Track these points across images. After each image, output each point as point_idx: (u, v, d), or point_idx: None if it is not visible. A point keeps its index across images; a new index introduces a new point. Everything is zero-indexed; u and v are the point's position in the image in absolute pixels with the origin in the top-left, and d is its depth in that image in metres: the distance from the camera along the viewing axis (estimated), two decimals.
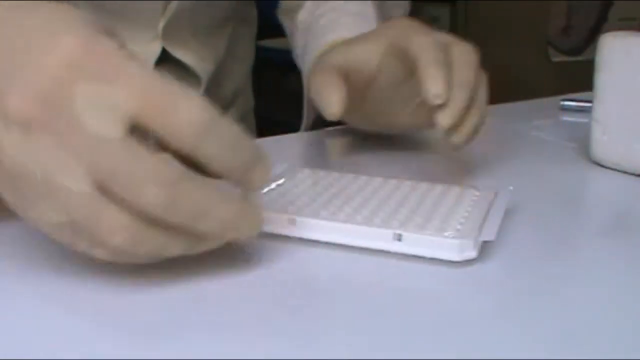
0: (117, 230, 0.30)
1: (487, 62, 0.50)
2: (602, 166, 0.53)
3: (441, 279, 0.35)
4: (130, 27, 0.59)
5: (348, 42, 0.54)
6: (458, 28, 1.89)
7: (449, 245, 0.36)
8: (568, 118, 0.69)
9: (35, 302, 0.32)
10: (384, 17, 0.67)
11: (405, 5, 0.75)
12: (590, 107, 0.54)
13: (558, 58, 1.99)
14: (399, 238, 0.36)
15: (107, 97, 0.29)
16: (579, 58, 1.96)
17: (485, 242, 0.37)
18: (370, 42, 0.52)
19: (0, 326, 0.30)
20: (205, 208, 0.31)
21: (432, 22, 1.94)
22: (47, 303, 0.32)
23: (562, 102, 0.72)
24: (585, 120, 0.56)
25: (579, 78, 0.71)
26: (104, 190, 0.29)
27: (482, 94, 0.49)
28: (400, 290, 0.34)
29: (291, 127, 0.65)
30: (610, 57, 0.51)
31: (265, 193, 0.41)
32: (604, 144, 0.52)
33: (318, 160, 0.59)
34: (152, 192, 0.29)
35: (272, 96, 0.86)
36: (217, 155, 0.31)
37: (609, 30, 0.54)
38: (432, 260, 0.36)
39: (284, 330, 0.30)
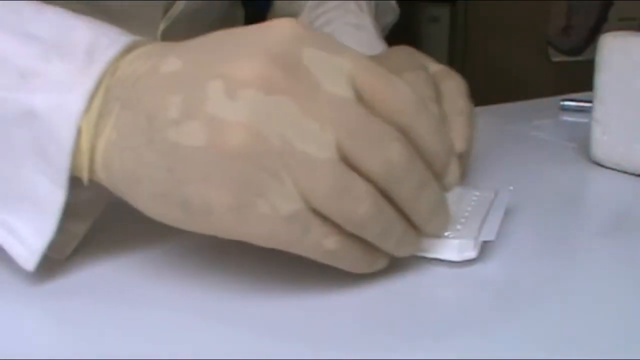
0: (364, 197, 0.29)
1: (487, 62, 0.50)
2: (602, 166, 0.53)
3: (441, 279, 0.35)
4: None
5: None
6: (458, 28, 1.89)
7: (448, 245, 0.36)
8: (568, 118, 0.69)
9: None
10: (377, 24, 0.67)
11: (396, 11, 0.75)
12: (590, 107, 0.54)
13: (558, 58, 1.99)
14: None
15: (336, 63, 0.29)
16: (579, 58, 1.96)
17: (485, 242, 0.37)
18: None
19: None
20: (428, 181, 0.31)
21: (432, 22, 1.94)
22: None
23: (562, 102, 0.72)
24: (585, 120, 0.56)
25: (579, 78, 0.71)
26: (346, 157, 0.29)
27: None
28: (400, 290, 0.34)
29: None
30: (610, 57, 0.51)
31: None
32: (604, 144, 0.52)
33: None
34: (397, 148, 0.29)
35: None
36: (427, 135, 0.31)
37: (609, 30, 0.54)
38: (433, 260, 0.36)
39: (284, 331, 0.30)
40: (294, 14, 0.72)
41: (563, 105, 0.72)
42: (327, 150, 0.28)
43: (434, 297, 0.34)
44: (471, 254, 0.36)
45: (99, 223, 0.36)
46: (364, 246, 0.31)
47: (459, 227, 0.37)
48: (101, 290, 0.33)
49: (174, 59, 0.30)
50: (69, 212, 0.32)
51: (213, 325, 0.30)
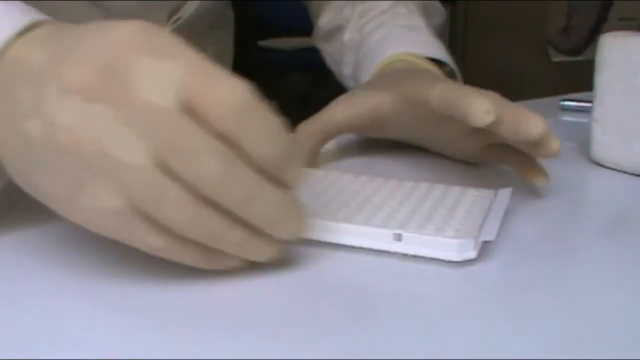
0: (180, 205, 0.30)
1: (487, 62, 0.50)
2: (602, 166, 0.53)
3: (441, 279, 0.35)
4: None
5: (354, 95, 0.54)
6: (458, 28, 1.89)
7: (448, 245, 0.36)
8: (568, 118, 0.69)
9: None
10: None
11: (443, 13, 0.74)
12: (590, 107, 0.54)
13: (558, 58, 2.00)
14: (398, 238, 0.36)
15: (166, 71, 0.30)
16: (579, 58, 1.97)
17: (485, 242, 0.37)
18: (378, 94, 0.52)
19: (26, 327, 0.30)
20: (256, 190, 0.31)
21: None
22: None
23: (562, 102, 0.72)
24: (585, 120, 0.56)
25: (579, 78, 0.71)
26: (162, 164, 0.29)
27: None
28: (400, 290, 0.34)
29: (293, 126, 0.65)
30: (610, 57, 0.51)
31: None
32: (604, 144, 0.52)
33: (319, 160, 0.59)
34: (210, 163, 0.29)
35: (273, 96, 0.85)
36: (256, 140, 0.31)
37: (609, 30, 0.54)
38: (433, 260, 0.36)
39: (284, 332, 0.30)
40: (340, 23, 0.71)
41: (563, 105, 0.72)
42: (140, 157, 0.29)
43: (434, 297, 0.34)
44: (471, 254, 0.36)
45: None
46: (193, 247, 0.32)
47: (458, 227, 0.37)
48: None
49: (40, 51, 0.32)
50: None
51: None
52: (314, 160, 0.52)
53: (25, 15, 0.34)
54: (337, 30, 0.71)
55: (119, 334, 0.30)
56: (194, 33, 0.65)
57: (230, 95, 0.30)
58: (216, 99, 0.30)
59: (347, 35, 0.69)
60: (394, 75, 0.55)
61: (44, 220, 0.38)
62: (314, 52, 0.76)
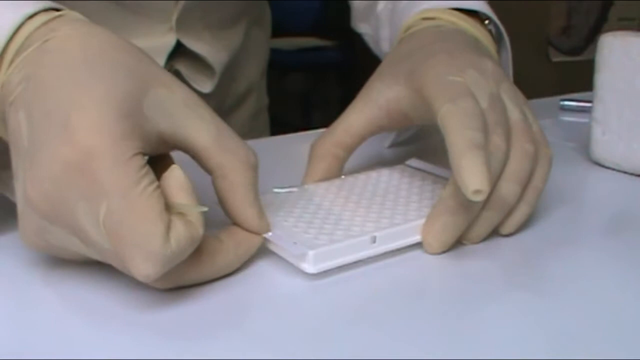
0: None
1: None
2: (602, 166, 0.53)
3: (441, 278, 0.35)
4: (145, 20, 0.60)
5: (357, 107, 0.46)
6: None
7: (418, 229, 0.37)
8: (568, 118, 0.69)
9: (51, 306, 0.32)
10: None
11: None
12: (590, 107, 0.54)
13: (558, 58, 2.00)
14: (374, 240, 0.36)
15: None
16: (579, 58, 1.97)
17: (484, 240, 0.37)
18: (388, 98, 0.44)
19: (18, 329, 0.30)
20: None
21: None
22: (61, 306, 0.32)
23: (562, 102, 0.72)
24: (585, 120, 0.56)
25: (579, 78, 0.71)
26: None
27: (540, 172, 0.40)
28: (399, 289, 0.34)
29: (293, 126, 0.65)
30: (610, 57, 0.51)
31: None
32: (604, 144, 0.52)
33: None
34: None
35: (273, 96, 0.85)
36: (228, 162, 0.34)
37: (609, 30, 0.54)
38: (432, 259, 0.36)
39: (286, 335, 0.30)
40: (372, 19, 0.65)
41: (563, 105, 0.72)
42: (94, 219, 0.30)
43: (433, 296, 0.34)
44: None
45: None
46: None
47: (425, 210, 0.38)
48: None
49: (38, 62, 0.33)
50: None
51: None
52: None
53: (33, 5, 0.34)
54: (372, 6, 0.64)
55: (119, 334, 0.30)
56: (207, 25, 0.65)
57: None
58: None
59: (380, 6, 0.62)
60: (410, 51, 0.46)
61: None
62: (314, 52, 0.76)
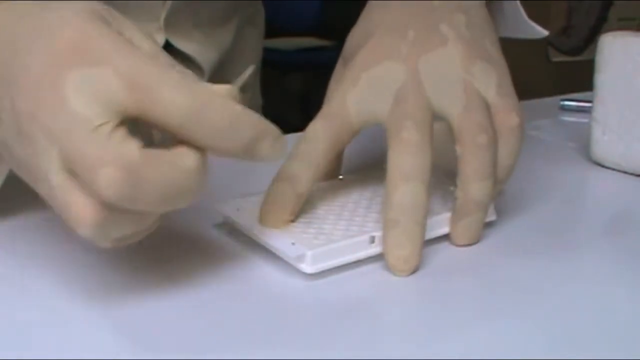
0: (83, 220, 0.29)
1: None
2: (602, 166, 0.53)
3: (440, 277, 0.35)
4: (133, 18, 0.59)
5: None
6: None
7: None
8: (568, 118, 0.69)
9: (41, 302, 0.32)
10: None
11: None
12: (590, 107, 0.54)
13: (558, 58, 2.00)
14: (372, 240, 0.36)
15: (96, 81, 0.29)
16: (579, 58, 1.97)
17: (484, 240, 0.37)
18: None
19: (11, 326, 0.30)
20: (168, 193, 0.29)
21: None
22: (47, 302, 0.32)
23: (562, 102, 0.72)
24: (585, 120, 0.56)
25: (579, 78, 0.71)
26: (74, 176, 0.29)
27: (505, 149, 0.39)
28: (400, 289, 0.34)
29: (292, 126, 0.65)
30: (610, 57, 0.51)
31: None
32: (604, 144, 0.52)
33: None
34: (105, 175, 0.28)
35: (273, 96, 0.85)
36: (208, 138, 0.29)
37: (609, 30, 0.54)
38: (431, 259, 0.36)
39: (284, 335, 0.30)
40: None
41: (563, 105, 0.72)
42: (57, 169, 0.29)
43: (432, 295, 0.34)
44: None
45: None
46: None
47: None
48: None
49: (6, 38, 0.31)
50: None
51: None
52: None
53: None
54: None
55: (115, 334, 0.30)
56: (196, 24, 0.65)
57: (176, 98, 0.29)
58: (152, 107, 0.29)
59: None
60: (369, 26, 0.43)
61: (45, 217, 0.39)
62: (314, 52, 0.76)
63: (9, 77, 0.30)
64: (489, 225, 0.39)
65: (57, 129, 0.29)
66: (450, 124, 0.38)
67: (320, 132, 0.39)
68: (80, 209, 0.29)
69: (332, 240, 0.35)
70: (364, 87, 0.39)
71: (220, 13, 0.69)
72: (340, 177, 0.44)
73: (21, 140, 0.30)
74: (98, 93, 0.29)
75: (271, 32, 0.83)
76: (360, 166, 0.48)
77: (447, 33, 0.40)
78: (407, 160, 0.36)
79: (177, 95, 0.29)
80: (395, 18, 0.42)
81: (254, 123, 0.31)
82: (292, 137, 0.63)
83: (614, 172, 0.52)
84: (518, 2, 0.53)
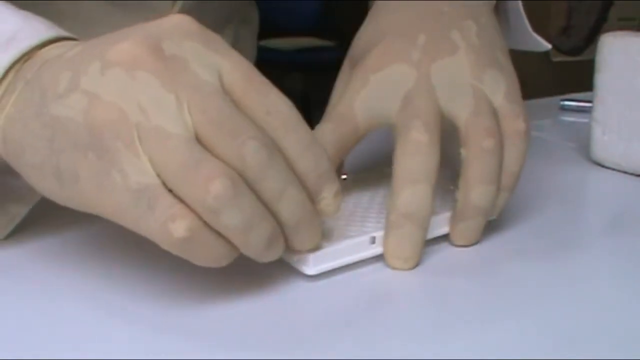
0: (216, 174, 0.27)
1: None
2: (602, 166, 0.53)
3: (440, 278, 0.35)
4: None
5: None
6: None
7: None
8: (568, 118, 0.69)
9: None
10: None
11: None
12: (590, 107, 0.54)
13: (558, 58, 1.99)
14: (373, 241, 0.36)
15: (215, 60, 0.30)
16: (579, 58, 1.96)
17: (484, 240, 0.37)
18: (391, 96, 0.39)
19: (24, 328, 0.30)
20: (290, 187, 0.30)
21: None
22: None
23: (562, 102, 0.72)
24: (585, 120, 0.56)
25: (579, 78, 0.71)
26: (203, 140, 0.28)
27: (511, 154, 0.39)
28: (400, 290, 0.34)
29: None
30: (610, 57, 0.51)
31: None
32: (604, 144, 0.52)
33: None
34: (256, 146, 0.28)
35: None
36: (297, 151, 0.30)
37: (609, 30, 0.54)
38: (432, 259, 0.36)
39: (286, 337, 0.30)
40: None
41: (563, 105, 0.72)
42: (181, 127, 0.28)
43: (433, 295, 0.34)
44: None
45: (42, 205, 0.36)
46: (219, 240, 0.29)
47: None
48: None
49: (78, 47, 0.31)
50: (11, 194, 0.34)
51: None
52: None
53: (51, 29, 0.34)
54: None
55: (116, 334, 0.30)
56: (201, 24, 0.65)
57: (282, 105, 0.31)
58: (265, 105, 0.30)
59: None
60: (377, 29, 0.43)
61: (48, 222, 0.39)
62: (314, 52, 0.76)
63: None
64: (488, 224, 0.39)
65: (186, 87, 0.29)
66: (457, 128, 0.38)
67: (328, 136, 0.39)
68: (214, 164, 0.28)
69: (333, 241, 0.35)
70: (372, 89, 0.39)
71: (223, 15, 0.69)
72: (343, 176, 0.44)
73: (125, 90, 0.29)
74: (216, 70, 0.30)
75: (271, 32, 0.82)
76: (360, 166, 0.48)
77: (458, 40, 0.40)
78: (415, 160, 0.36)
79: (284, 101, 0.31)
80: (404, 21, 0.42)
81: (326, 159, 0.32)
82: None
83: (614, 172, 0.52)
84: (524, 15, 0.53)
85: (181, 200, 0.28)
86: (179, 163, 0.28)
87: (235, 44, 0.73)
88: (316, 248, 0.34)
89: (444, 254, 0.37)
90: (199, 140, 0.28)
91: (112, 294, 0.33)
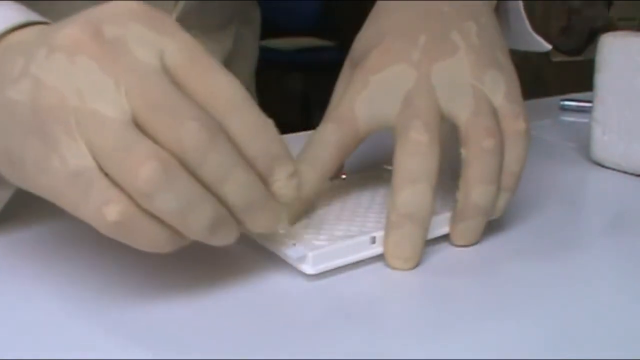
0: (148, 159, 0.27)
1: None
2: (602, 166, 0.53)
3: (440, 278, 0.35)
4: None
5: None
6: None
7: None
8: (568, 118, 0.69)
9: (45, 305, 0.32)
10: None
11: None
12: (590, 107, 0.54)
13: (558, 58, 1.99)
14: (373, 241, 0.36)
15: (157, 42, 0.30)
16: (579, 58, 1.96)
17: (484, 240, 0.37)
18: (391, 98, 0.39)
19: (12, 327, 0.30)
20: (233, 169, 0.29)
21: None
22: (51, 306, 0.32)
23: (562, 102, 0.72)
24: (585, 120, 0.56)
25: (579, 78, 0.71)
26: (140, 122, 0.28)
27: (512, 154, 0.39)
28: (400, 290, 0.34)
29: (292, 127, 0.65)
30: (610, 57, 0.51)
31: None
32: (604, 144, 0.52)
33: None
34: (196, 128, 0.28)
35: (273, 96, 0.85)
36: (244, 133, 0.30)
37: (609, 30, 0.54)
38: (431, 259, 0.36)
39: (285, 336, 0.30)
40: None
41: (563, 105, 0.72)
42: (117, 110, 0.28)
43: (433, 295, 0.34)
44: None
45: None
46: (155, 224, 0.29)
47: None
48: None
49: (35, 33, 0.32)
50: None
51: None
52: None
53: (21, 14, 0.34)
54: None
55: (115, 334, 0.30)
56: (202, 30, 0.65)
57: (227, 86, 0.30)
58: (210, 86, 0.30)
59: None
60: (378, 30, 0.42)
61: (45, 219, 0.39)
62: (314, 52, 0.76)
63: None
64: (488, 224, 0.39)
65: (124, 71, 0.29)
66: (457, 127, 0.38)
67: (329, 137, 0.39)
68: (147, 147, 0.28)
69: (333, 241, 0.35)
70: (373, 90, 0.39)
71: (225, 16, 0.69)
72: (342, 176, 0.44)
73: (66, 74, 0.29)
74: (159, 52, 0.29)
75: (271, 32, 0.82)
76: (360, 166, 0.48)
77: (458, 41, 0.40)
78: (414, 160, 0.36)
79: (230, 81, 0.30)
80: (405, 22, 0.42)
81: (278, 140, 0.31)
82: (292, 137, 0.63)
83: (614, 172, 0.52)
84: (524, 16, 0.53)
85: (116, 184, 0.28)
86: (112, 146, 0.28)
87: (237, 44, 0.73)
88: (314, 247, 0.34)
89: (444, 254, 0.37)
90: (138, 124, 0.28)
91: (103, 290, 0.33)
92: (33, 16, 0.34)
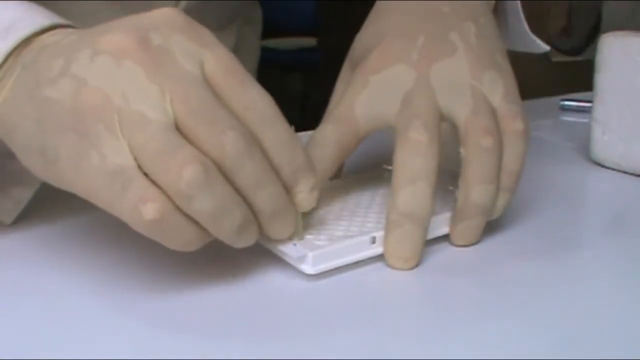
0: (190, 160, 0.29)
1: None
2: (602, 166, 0.53)
3: (440, 278, 0.35)
4: None
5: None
6: None
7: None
8: (568, 118, 0.69)
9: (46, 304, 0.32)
10: None
11: None
12: (590, 107, 0.54)
13: (558, 58, 1.99)
14: (373, 241, 0.36)
15: (198, 53, 0.31)
16: (579, 58, 1.96)
17: (484, 240, 0.37)
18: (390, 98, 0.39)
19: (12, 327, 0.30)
20: (265, 178, 0.31)
21: None
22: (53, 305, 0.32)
23: (562, 102, 0.72)
24: (585, 120, 0.56)
25: (579, 78, 0.71)
26: (182, 127, 0.30)
27: (511, 153, 0.38)
28: (400, 290, 0.34)
29: (292, 126, 0.65)
30: (610, 57, 0.51)
31: None
32: (604, 144, 0.52)
33: None
34: (234, 136, 0.30)
35: (273, 96, 0.85)
36: (275, 145, 0.32)
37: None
38: (431, 259, 0.36)
39: (286, 336, 0.30)
40: None
41: (563, 105, 0.72)
42: (161, 114, 0.29)
43: (434, 295, 0.34)
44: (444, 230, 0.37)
45: (46, 190, 0.36)
46: (189, 224, 0.30)
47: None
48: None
49: (73, 35, 0.33)
50: (14, 178, 0.35)
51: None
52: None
53: (49, 17, 0.34)
54: None
55: (115, 334, 0.30)
56: (204, 24, 0.65)
57: (260, 99, 0.32)
58: (244, 99, 0.31)
59: None
60: (377, 30, 0.42)
61: (49, 218, 0.39)
62: (314, 52, 0.76)
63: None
64: (488, 224, 0.39)
65: (169, 77, 0.30)
66: (456, 127, 0.38)
67: (329, 137, 0.39)
68: (189, 151, 0.29)
69: (333, 241, 0.35)
70: (372, 90, 0.39)
71: (227, 15, 0.69)
72: (342, 176, 0.44)
73: (111, 77, 0.30)
74: (200, 64, 0.31)
75: (271, 32, 0.82)
76: (360, 166, 0.48)
77: (457, 41, 0.40)
78: (414, 160, 0.36)
79: (264, 97, 0.32)
80: (404, 22, 0.42)
81: (303, 153, 0.33)
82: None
83: (614, 172, 0.52)
84: (522, 17, 0.53)
85: (155, 184, 0.29)
86: (155, 148, 0.29)
87: (239, 44, 0.73)
88: (315, 247, 0.34)
89: (444, 254, 0.37)
90: (179, 129, 0.30)
91: (115, 286, 0.33)
92: (56, 19, 0.35)
